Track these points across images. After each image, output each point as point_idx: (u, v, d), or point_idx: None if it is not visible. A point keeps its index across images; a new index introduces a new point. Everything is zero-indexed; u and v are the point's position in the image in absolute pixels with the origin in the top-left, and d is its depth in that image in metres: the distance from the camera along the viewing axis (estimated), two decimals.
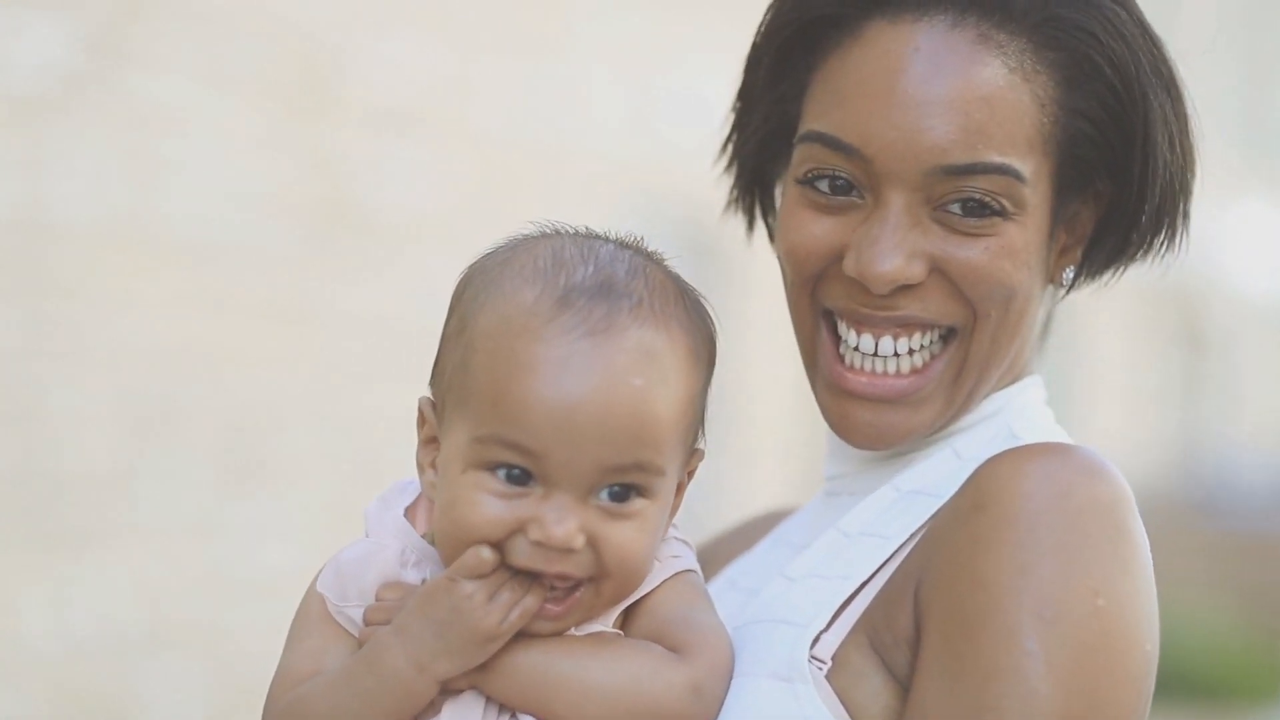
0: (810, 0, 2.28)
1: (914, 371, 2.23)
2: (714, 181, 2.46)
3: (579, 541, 2.00)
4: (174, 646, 7.91)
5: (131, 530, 7.81)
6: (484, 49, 9.97)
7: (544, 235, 2.15)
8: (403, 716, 2.04)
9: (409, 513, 2.16)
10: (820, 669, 2.10)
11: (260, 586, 8.06)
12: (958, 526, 2.08)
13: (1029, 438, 2.25)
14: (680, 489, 2.15)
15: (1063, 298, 2.41)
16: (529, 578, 2.02)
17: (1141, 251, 2.36)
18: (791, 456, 13.04)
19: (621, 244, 2.13)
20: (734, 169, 2.46)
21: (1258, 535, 19.76)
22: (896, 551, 2.17)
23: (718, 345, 2.16)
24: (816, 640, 2.12)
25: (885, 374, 2.23)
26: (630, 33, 10.79)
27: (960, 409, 2.27)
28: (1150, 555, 2.15)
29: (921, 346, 2.23)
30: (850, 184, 2.21)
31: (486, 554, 1.99)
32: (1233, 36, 25.60)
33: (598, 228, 2.16)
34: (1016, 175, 2.18)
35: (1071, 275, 2.34)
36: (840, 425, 2.27)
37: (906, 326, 2.22)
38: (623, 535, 2.03)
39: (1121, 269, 2.39)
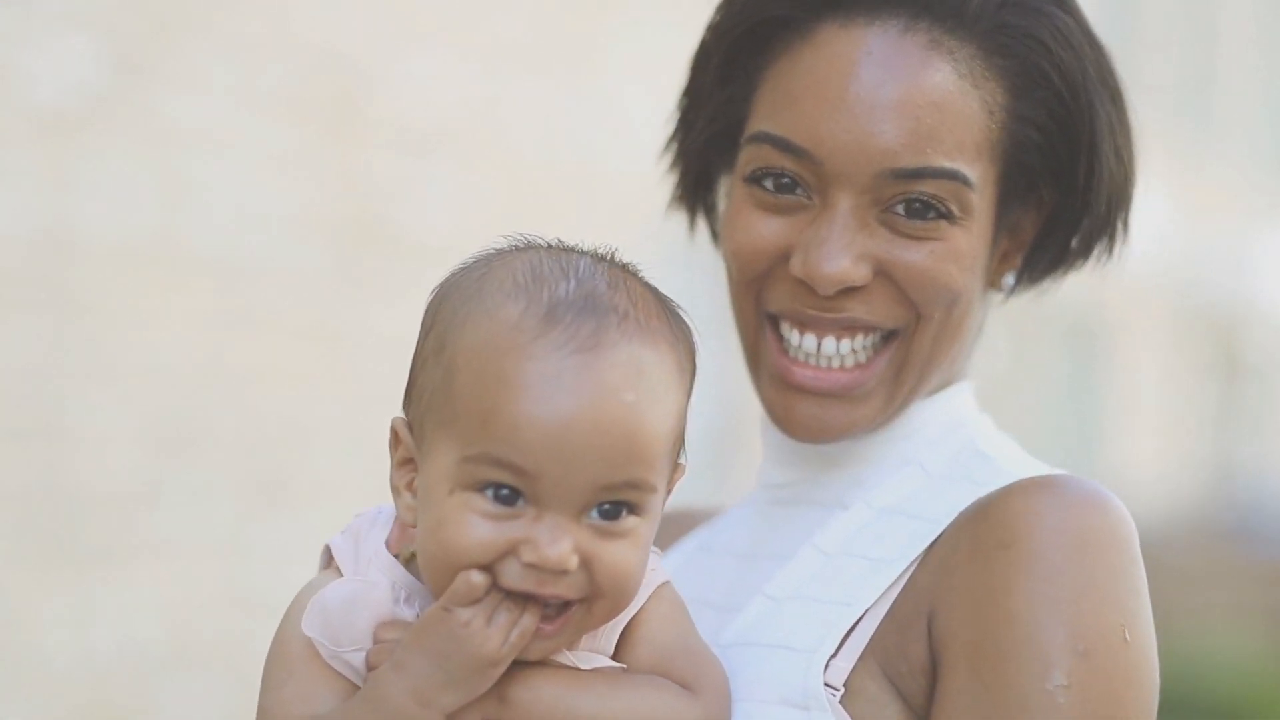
0: (761, 1, 2.28)
1: (857, 366, 2.25)
2: None
3: (573, 563, 1.96)
4: (196, 665, 7.91)
5: (155, 549, 7.81)
6: (515, 68, 9.97)
7: (516, 249, 2.11)
8: None
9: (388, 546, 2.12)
10: (834, 695, 2.10)
11: (282, 606, 7.99)
12: (980, 562, 2.09)
13: (996, 455, 2.28)
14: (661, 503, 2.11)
15: (1004, 302, 2.43)
16: (523, 598, 1.98)
17: (1082, 259, 2.39)
18: None
19: (596, 256, 2.11)
20: (679, 167, 2.47)
21: None
22: (899, 578, 2.16)
23: (697, 356, 2.14)
24: (827, 666, 2.11)
25: (829, 369, 2.25)
26: (663, 51, 10.74)
27: (900, 405, 2.29)
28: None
29: (864, 347, 2.25)
30: (796, 183, 2.23)
31: (477, 578, 1.95)
32: (1267, 62, 25.51)
33: (599, 244, 2.14)
34: (964, 180, 2.20)
35: (1012, 281, 2.37)
36: (784, 418, 2.28)
37: (850, 329, 2.24)
38: (616, 555, 1.99)
39: (1061, 276, 2.42)
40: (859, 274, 2.20)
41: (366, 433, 8.98)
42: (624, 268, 2.11)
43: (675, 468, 2.11)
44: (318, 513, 8.48)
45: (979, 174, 2.21)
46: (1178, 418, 23.78)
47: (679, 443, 2.08)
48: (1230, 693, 14.36)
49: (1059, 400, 20.93)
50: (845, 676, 2.11)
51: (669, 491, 2.12)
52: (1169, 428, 23.39)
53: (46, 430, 7.40)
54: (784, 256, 2.24)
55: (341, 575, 2.10)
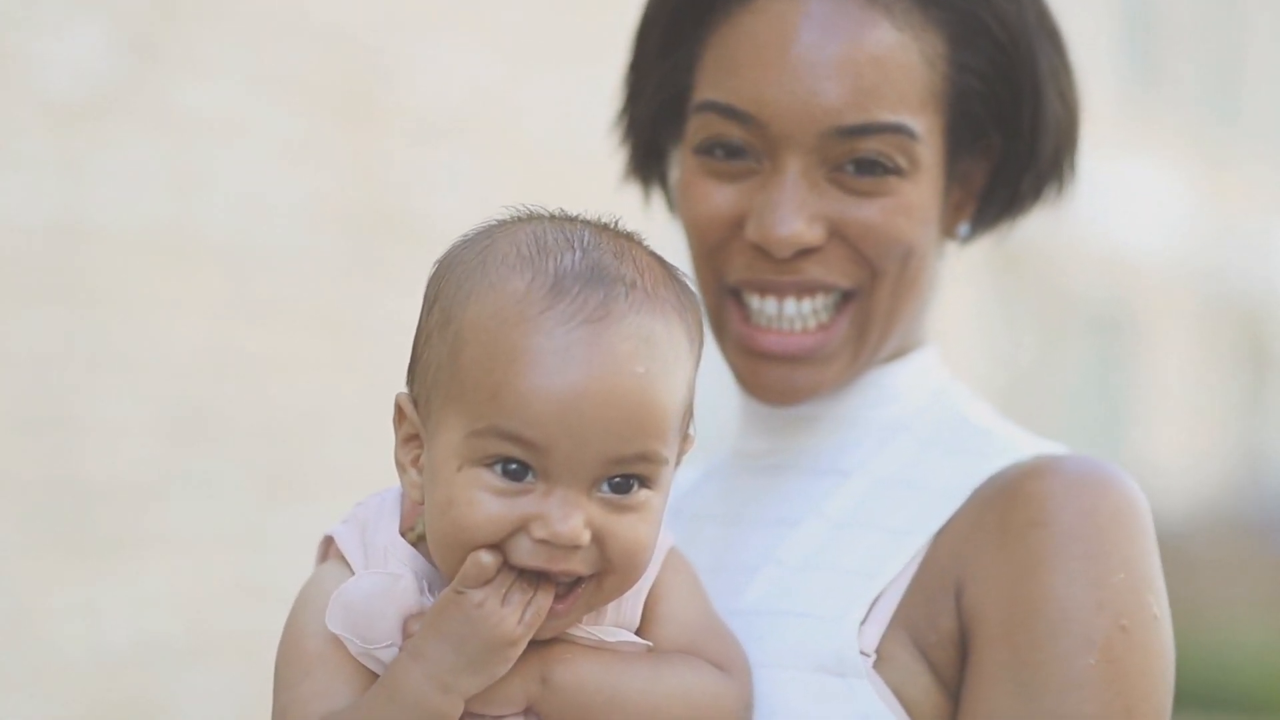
0: None
1: (820, 328, 2.27)
2: None
3: (585, 538, 1.94)
4: (210, 657, 7.89)
5: (168, 539, 7.80)
6: (531, 55, 9.95)
7: (519, 220, 2.09)
8: None
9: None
10: (867, 660, 2.12)
11: None
12: (1013, 541, 2.13)
13: (988, 426, 2.31)
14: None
15: (962, 246, 2.45)
16: (535, 576, 1.96)
17: (1032, 202, 2.40)
18: None
19: (600, 225, 2.08)
20: (629, 141, 2.49)
21: None
22: (920, 550, 2.19)
23: (704, 325, 2.13)
24: (859, 633, 2.14)
25: (792, 332, 2.27)
26: None
27: (866, 362, 2.31)
28: None
29: (824, 307, 2.27)
30: (744, 149, 2.24)
31: (487, 559, 1.93)
32: None
33: (623, 223, 2.12)
34: (909, 133, 2.22)
35: (967, 230, 2.39)
36: (751, 383, 2.30)
37: (809, 290, 2.26)
38: (627, 529, 1.97)
39: (1013, 220, 2.44)
40: (812, 235, 2.22)
41: (381, 422, 8.91)
42: (628, 236, 2.09)
43: (685, 439, 2.08)
44: (332, 502, 8.43)
45: (924, 126, 2.24)
46: (1203, 409, 23.75)
47: (688, 413, 2.06)
48: (1254, 684, 14.36)
49: (1085, 392, 20.90)
50: (876, 643, 2.14)
51: (678, 463, 2.09)
52: (1194, 419, 23.36)
53: (59, 420, 7.39)
54: (739, 224, 2.26)
55: (347, 566, 2.06)
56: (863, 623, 2.14)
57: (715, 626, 2.13)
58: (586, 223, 2.08)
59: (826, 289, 2.26)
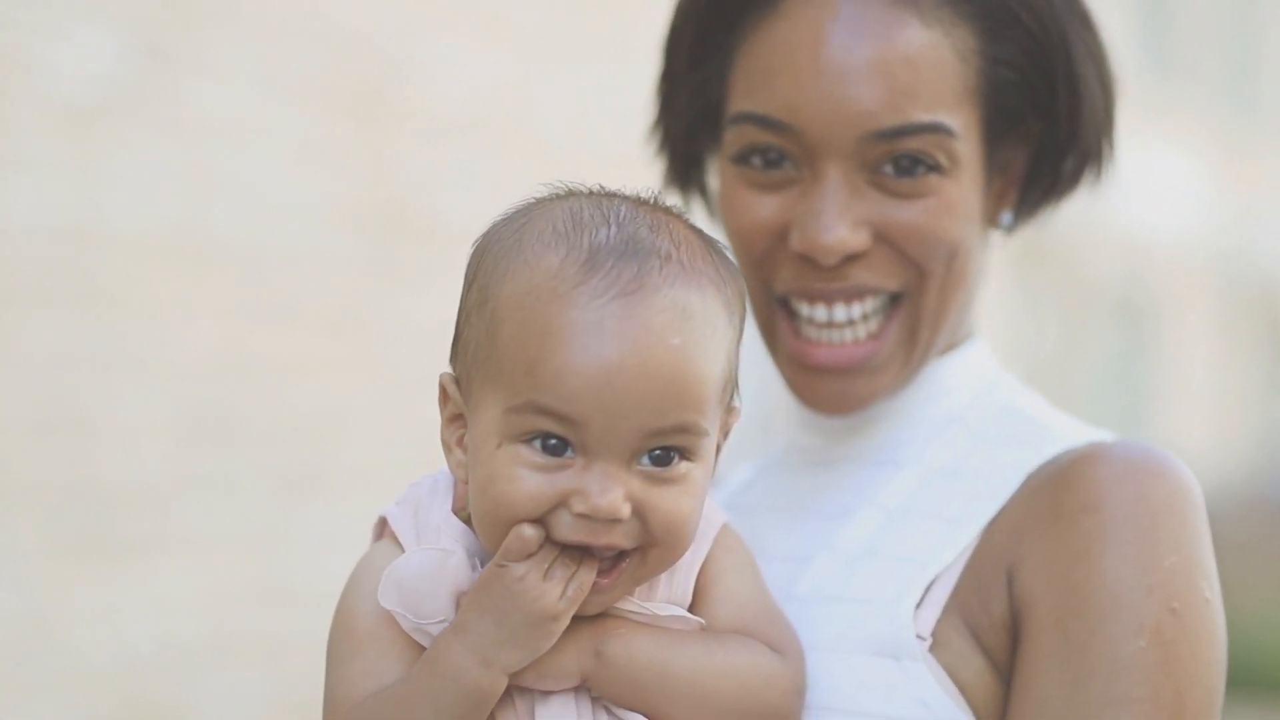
0: None
1: (870, 338, 2.27)
2: None
3: (625, 511, 1.94)
4: (232, 658, 7.90)
5: (187, 542, 7.80)
6: (545, 53, 9.93)
7: (556, 197, 2.09)
8: (474, 718, 1.97)
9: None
10: (923, 643, 2.13)
11: (319, 597, 8.01)
12: (1064, 527, 2.13)
13: (1039, 417, 2.30)
14: (717, 449, 2.09)
15: (1006, 235, 2.44)
16: (578, 551, 1.96)
17: (1074, 185, 2.39)
18: None
19: (638, 200, 2.09)
20: (666, 152, 2.48)
21: None
22: (974, 540, 2.20)
23: (745, 298, 2.13)
24: (914, 617, 2.15)
25: (843, 343, 2.27)
26: None
27: (919, 364, 2.31)
28: None
29: (873, 312, 2.27)
30: (783, 157, 2.24)
31: (529, 532, 1.94)
32: None
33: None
34: (947, 131, 2.21)
35: (1010, 219, 2.38)
36: (807, 397, 2.31)
37: (858, 294, 2.26)
38: (669, 501, 1.97)
39: (1055, 204, 2.43)
40: (857, 240, 2.22)
41: (398, 421, 8.98)
42: (666, 210, 2.09)
43: (729, 411, 2.08)
44: (351, 502, 8.45)
45: (961, 122, 2.23)
46: (1225, 393, 23.69)
47: (730, 385, 2.06)
48: (1274, 664, 14.34)
49: (1107, 377, 20.87)
50: (932, 627, 2.15)
51: (725, 435, 2.10)
52: (1216, 403, 23.30)
53: (76, 424, 7.40)
54: (783, 234, 2.26)
55: (399, 546, 2.07)
56: (918, 607, 2.15)
57: (770, 608, 2.13)
58: (624, 198, 2.08)
59: (875, 293, 2.26)
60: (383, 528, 2.13)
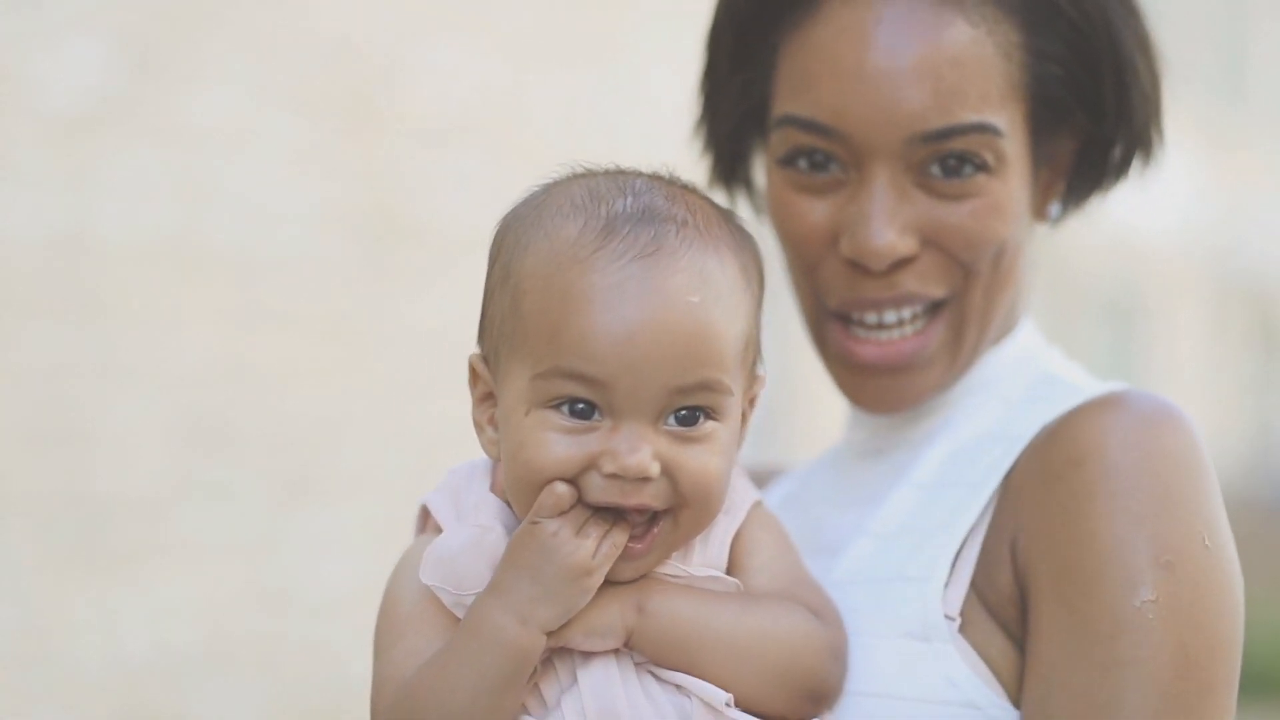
0: None
1: (916, 334, 2.26)
2: None
3: (654, 469, 1.97)
4: (228, 665, 7.89)
5: (185, 549, 7.80)
6: (536, 58, 9.93)
7: (574, 176, 2.14)
8: (516, 678, 1.99)
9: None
10: (953, 624, 2.11)
11: (316, 604, 8.04)
12: (1053, 483, 2.10)
13: (1067, 377, 2.28)
14: (744, 419, 2.13)
15: (1054, 227, 2.43)
16: (611, 515, 1.99)
17: (1121, 175, 2.37)
18: None
19: (654, 175, 2.12)
20: (711, 152, 2.48)
21: None
22: (988, 502, 2.17)
23: (764, 269, 2.15)
24: (943, 597, 2.13)
25: (890, 341, 2.26)
26: (686, 36, 10.71)
27: (967, 360, 2.30)
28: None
29: (922, 313, 2.26)
30: (830, 159, 2.23)
31: (562, 488, 1.97)
32: None
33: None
34: (994, 130, 2.19)
35: (1058, 210, 2.37)
36: (855, 396, 2.31)
37: (907, 301, 2.25)
38: (697, 460, 2.00)
39: (1103, 194, 2.41)
40: (906, 245, 2.21)
41: (394, 426, 8.99)
42: (681, 184, 2.13)
43: (754, 379, 2.12)
44: (346, 508, 8.46)
45: (1007, 120, 2.21)
46: (1215, 392, 23.70)
47: (752, 348, 2.10)
48: (1268, 662, 14.34)
49: (1097, 374, 20.83)
50: (960, 606, 2.13)
51: (751, 404, 2.14)
52: (1207, 402, 23.31)
53: (71, 433, 7.40)
54: (833, 239, 2.26)
55: (441, 531, 2.10)
56: (947, 585, 2.14)
57: (807, 578, 2.15)
58: (640, 173, 2.13)
59: (923, 299, 2.25)
60: (425, 519, 2.15)
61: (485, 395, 2.11)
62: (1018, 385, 2.30)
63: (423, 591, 2.06)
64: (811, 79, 2.23)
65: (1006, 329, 2.36)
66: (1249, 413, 24.85)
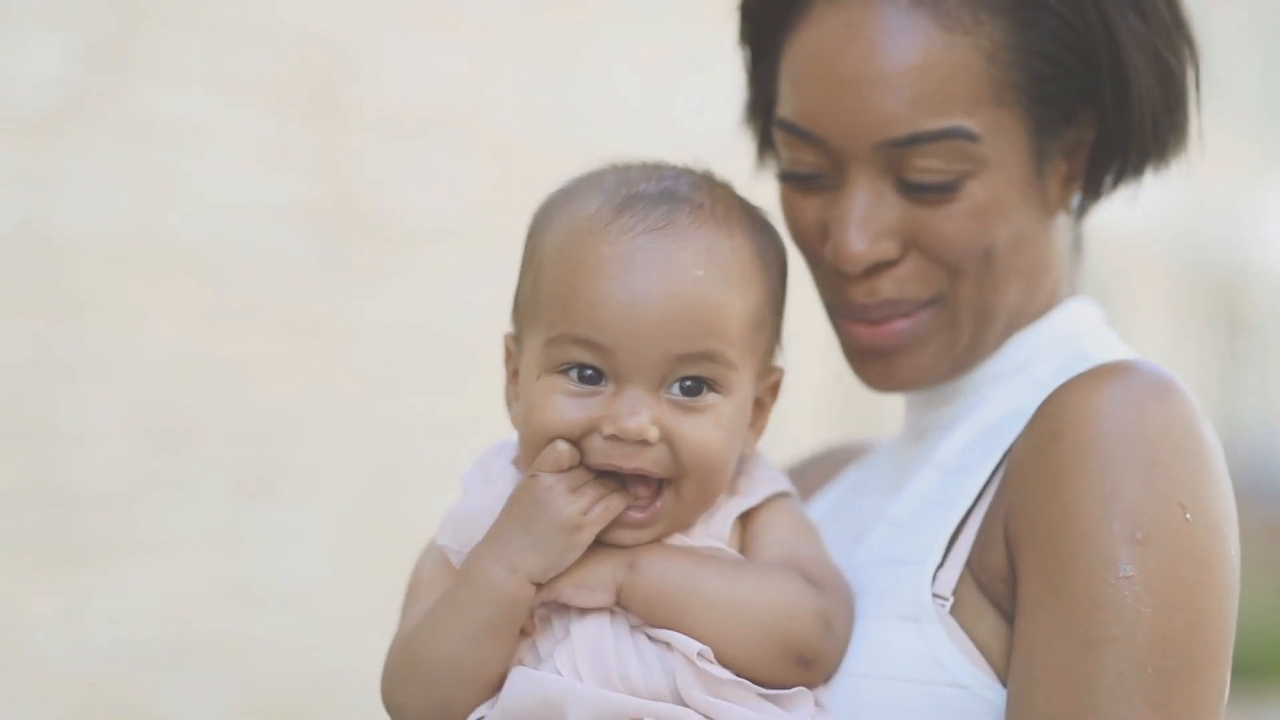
0: None
1: (904, 318, 2.27)
2: (743, 179, 2.48)
3: (653, 433, 2.03)
4: (193, 660, 7.88)
5: (148, 544, 7.79)
6: (500, 51, 9.92)
7: (612, 166, 2.22)
8: (503, 626, 2.05)
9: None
10: (944, 605, 2.12)
11: (280, 598, 8.04)
12: (1037, 457, 2.09)
13: (1096, 352, 2.26)
14: (762, 407, 2.19)
15: (1079, 224, 2.41)
16: (615, 483, 2.06)
17: (1140, 171, 2.36)
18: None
19: (689, 169, 2.19)
20: (755, 140, 2.52)
21: None
22: (988, 483, 2.18)
23: (787, 262, 2.20)
24: (935, 578, 2.14)
25: (880, 324, 2.27)
26: (651, 31, 10.73)
27: (973, 346, 2.29)
28: (1224, 463, 2.14)
29: (909, 313, 2.28)
30: (816, 164, 2.25)
31: (563, 446, 2.04)
32: (1260, 18, 25.49)
33: None
34: (965, 135, 2.19)
35: (1079, 201, 2.35)
36: (862, 377, 2.34)
37: (889, 306, 2.26)
38: (697, 430, 2.06)
39: (1136, 181, 2.39)
40: (882, 250, 2.23)
41: (357, 421, 8.98)
42: (713, 178, 2.21)
43: (771, 370, 2.19)
44: (310, 503, 8.45)
45: (985, 123, 2.20)
46: (1182, 376, 23.75)
47: (765, 332, 2.16)
48: (1240, 647, 14.36)
49: None
50: (953, 586, 2.14)
51: (772, 393, 2.20)
52: None
53: (34, 429, 7.38)
54: (824, 239, 2.29)
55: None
56: (941, 566, 2.15)
57: (816, 556, 2.17)
58: (675, 166, 2.20)
59: (903, 304, 2.26)
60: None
61: (515, 372, 2.18)
62: (1050, 366, 2.28)
63: (441, 560, 2.15)
64: (796, 83, 2.27)
65: (1036, 313, 2.34)
66: (1214, 400, 24.93)
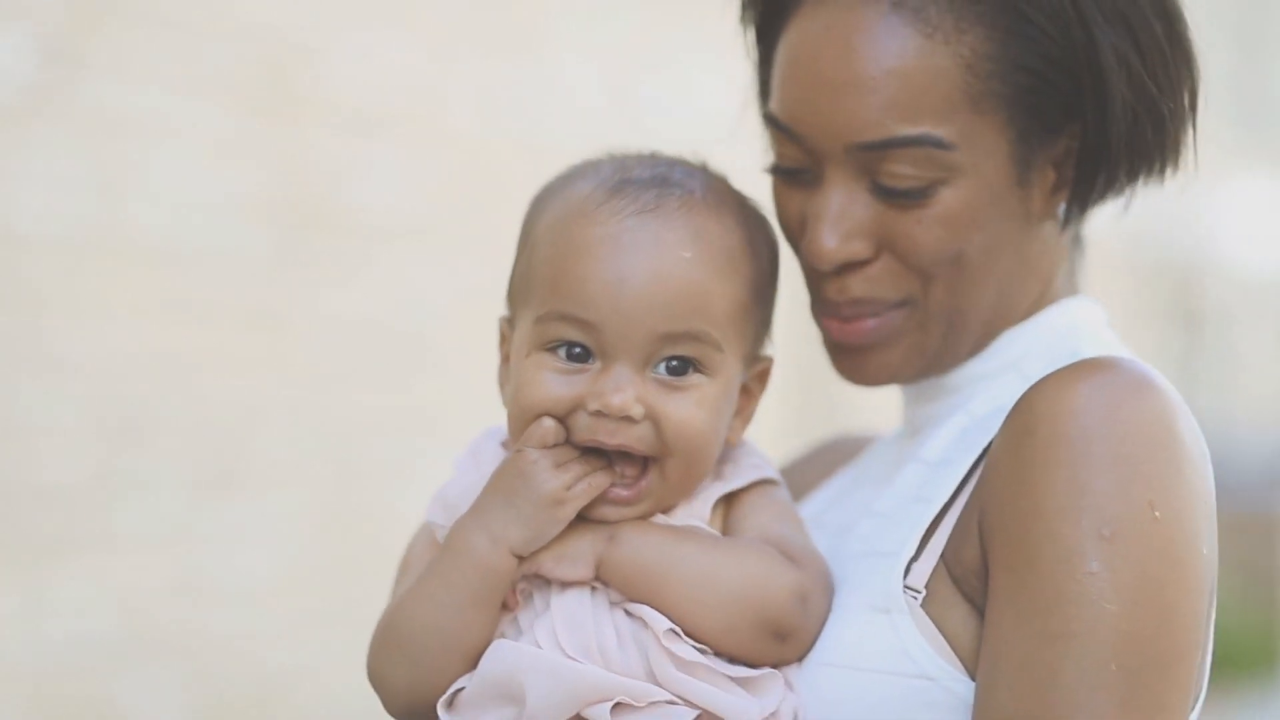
0: None
1: (874, 317, 2.29)
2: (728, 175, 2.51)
3: (637, 411, 2.08)
4: (151, 655, 7.87)
5: (106, 539, 7.77)
6: (458, 47, 9.91)
7: (611, 155, 2.26)
8: (483, 596, 2.08)
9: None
10: (916, 598, 2.13)
11: (238, 593, 8.01)
12: (1011, 452, 2.10)
13: (1083, 349, 2.28)
14: (750, 395, 2.23)
15: (1074, 227, 2.41)
16: (599, 459, 2.10)
17: (1123, 187, 2.36)
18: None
19: (682, 158, 2.24)
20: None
21: (1257, 513, 19.73)
22: (967, 477, 2.19)
23: (778, 254, 2.24)
24: (909, 570, 2.16)
25: (851, 321, 2.29)
26: (609, 27, 10.72)
27: (947, 346, 2.30)
28: (1207, 460, 2.15)
29: (878, 313, 2.30)
30: (800, 161, 2.27)
31: (549, 422, 2.09)
32: (1224, 12, 25.55)
33: None
34: (936, 142, 2.19)
35: (1067, 210, 2.33)
36: (837, 369, 2.36)
37: (860, 305, 2.28)
38: (681, 409, 2.11)
39: (1126, 192, 2.39)
40: (852, 249, 2.24)
41: (315, 417, 8.96)
42: (708, 169, 2.25)
43: (759, 358, 2.24)
44: (270, 499, 8.44)
45: (958, 131, 2.20)
46: None
47: (753, 319, 2.20)
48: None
49: None
50: (926, 579, 2.15)
51: (761, 382, 2.25)
52: None
53: None
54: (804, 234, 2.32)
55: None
56: (916, 558, 2.16)
57: (796, 537, 2.20)
58: (672, 156, 2.24)
59: (874, 304, 2.28)
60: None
61: (507, 357, 2.22)
62: (1041, 363, 2.28)
63: (430, 534, 2.20)
64: (781, 79, 2.29)
65: (1027, 311, 2.35)
66: None
